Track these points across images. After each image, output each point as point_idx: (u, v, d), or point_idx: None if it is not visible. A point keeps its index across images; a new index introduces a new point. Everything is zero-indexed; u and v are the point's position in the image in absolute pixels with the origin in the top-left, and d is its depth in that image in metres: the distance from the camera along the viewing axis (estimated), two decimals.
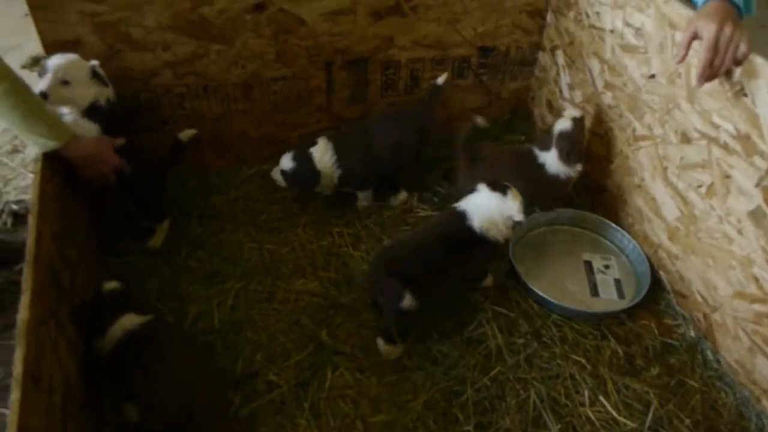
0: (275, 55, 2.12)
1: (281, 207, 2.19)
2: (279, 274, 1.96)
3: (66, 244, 1.62)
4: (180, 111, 2.14)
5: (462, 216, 1.73)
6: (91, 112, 1.81)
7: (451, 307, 1.86)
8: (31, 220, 1.44)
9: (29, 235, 1.40)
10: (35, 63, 2.81)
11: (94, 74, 1.82)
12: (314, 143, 2.05)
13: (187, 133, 2.03)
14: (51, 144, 1.61)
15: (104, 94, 1.85)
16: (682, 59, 1.55)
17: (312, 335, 1.79)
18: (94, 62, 1.84)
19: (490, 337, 1.78)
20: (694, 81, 1.58)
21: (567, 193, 2.15)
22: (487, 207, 1.73)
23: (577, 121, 1.98)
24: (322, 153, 2.03)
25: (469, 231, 1.72)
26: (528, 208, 1.81)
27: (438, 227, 1.79)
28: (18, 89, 1.53)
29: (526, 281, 1.89)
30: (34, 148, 1.62)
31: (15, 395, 1.12)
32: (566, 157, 1.97)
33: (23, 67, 2.95)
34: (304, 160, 2.03)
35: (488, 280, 1.91)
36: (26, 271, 1.33)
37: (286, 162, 2.04)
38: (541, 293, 1.85)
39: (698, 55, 1.49)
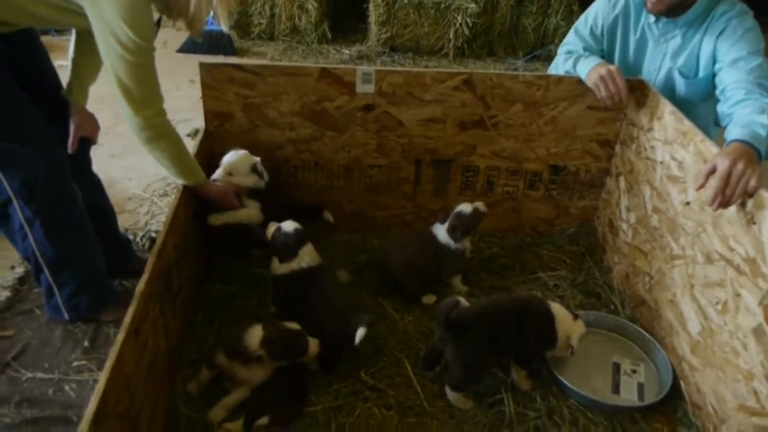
0: (375, 147, 2.59)
1: (360, 276, 2.55)
2: None
3: (181, 260, 2.11)
4: (293, 179, 2.66)
5: (549, 309, 2.04)
6: (253, 194, 2.37)
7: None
8: (162, 228, 1.94)
9: (158, 237, 1.90)
10: (196, 134, 3.55)
11: (254, 169, 2.36)
12: None
13: (328, 214, 2.54)
14: (190, 183, 2.15)
15: (262, 184, 2.38)
16: (701, 186, 1.83)
17: (354, 372, 2.09)
18: (256, 159, 2.36)
19: (505, 404, 1.98)
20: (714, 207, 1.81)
21: (459, 265, 2.47)
22: (568, 319, 2.04)
23: (476, 211, 2.37)
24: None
25: (549, 321, 2.01)
26: None
27: (524, 303, 2.07)
28: (175, 143, 2.05)
29: (551, 367, 2.09)
30: (179, 181, 2.17)
31: (120, 336, 1.53)
32: (452, 231, 2.36)
33: (188, 135, 3.70)
34: None
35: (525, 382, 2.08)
36: (149, 260, 1.80)
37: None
38: (560, 377, 2.04)
39: (712, 183, 1.76)
